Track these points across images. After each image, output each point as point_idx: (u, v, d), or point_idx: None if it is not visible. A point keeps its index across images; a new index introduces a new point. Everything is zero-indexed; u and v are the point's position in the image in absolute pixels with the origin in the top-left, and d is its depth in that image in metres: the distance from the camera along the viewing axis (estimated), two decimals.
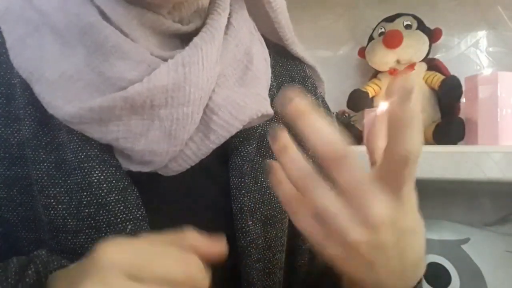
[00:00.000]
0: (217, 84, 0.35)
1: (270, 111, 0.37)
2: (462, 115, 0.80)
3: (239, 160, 0.37)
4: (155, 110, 0.31)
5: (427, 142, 0.86)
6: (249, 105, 0.35)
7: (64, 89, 0.31)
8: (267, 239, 0.37)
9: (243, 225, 0.35)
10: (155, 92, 0.30)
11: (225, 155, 0.38)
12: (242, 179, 0.37)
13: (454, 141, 0.79)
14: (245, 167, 0.37)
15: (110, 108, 0.30)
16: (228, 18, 0.37)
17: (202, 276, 0.24)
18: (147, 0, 0.31)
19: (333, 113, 0.97)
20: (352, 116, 0.94)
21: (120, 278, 0.22)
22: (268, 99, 0.39)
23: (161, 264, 0.23)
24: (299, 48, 0.46)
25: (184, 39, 0.34)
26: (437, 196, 0.93)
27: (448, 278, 0.77)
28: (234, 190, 0.36)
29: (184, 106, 0.31)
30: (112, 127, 0.31)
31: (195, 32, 0.34)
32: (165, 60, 0.31)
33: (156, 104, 0.31)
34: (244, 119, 0.35)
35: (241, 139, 0.38)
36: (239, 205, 0.36)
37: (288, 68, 0.46)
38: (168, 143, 0.32)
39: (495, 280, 0.75)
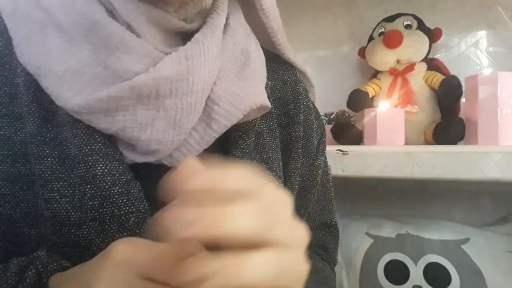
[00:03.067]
0: (217, 77, 0.36)
1: (268, 103, 0.39)
2: (462, 115, 0.81)
3: (239, 152, 0.38)
4: (160, 100, 0.32)
5: (427, 142, 0.86)
6: (248, 95, 0.37)
7: (71, 82, 0.32)
8: None
9: None
10: (160, 82, 0.31)
11: (225, 149, 0.39)
12: None
13: (454, 141, 0.79)
14: (245, 159, 0.38)
15: (118, 98, 0.31)
16: (226, 19, 0.38)
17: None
18: None
19: (333, 113, 0.97)
20: (352, 116, 0.94)
21: (133, 277, 0.22)
22: (265, 92, 0.40)
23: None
24: (291, 53, 0.48)
25: (186, 37, 0.35)
26: (437, 196, 0.93)
27: (448, 278, 0.77)
28: None
29: (188, 96, 0.33)
30: (119, 117, 0.32)
31: (196, 31, 0.35)
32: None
33: (161, 94, 0.32)
34: (244, 108, 0.36)
35: (240, 133, 0.39)
36: None
37: (280, 72, 0.47)
38: (173, 132, 0.33)
39: (495, 280, 0.75)
